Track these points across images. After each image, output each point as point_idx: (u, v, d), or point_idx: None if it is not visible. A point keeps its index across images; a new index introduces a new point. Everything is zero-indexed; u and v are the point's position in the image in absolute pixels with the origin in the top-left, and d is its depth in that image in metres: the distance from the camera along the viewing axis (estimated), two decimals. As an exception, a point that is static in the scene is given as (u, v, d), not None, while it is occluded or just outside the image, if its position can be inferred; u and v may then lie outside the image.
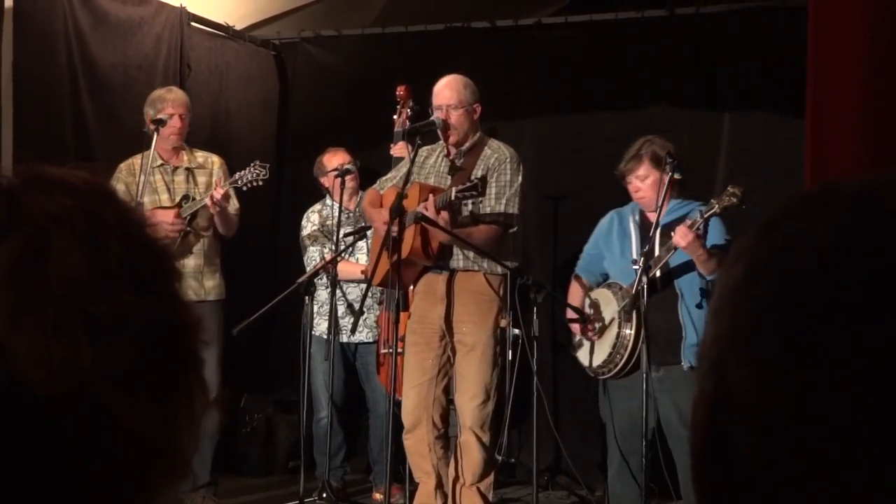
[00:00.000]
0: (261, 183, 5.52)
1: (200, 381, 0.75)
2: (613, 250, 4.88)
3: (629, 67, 6.58)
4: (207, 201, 5.35)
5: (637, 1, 6.76)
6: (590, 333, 4.88)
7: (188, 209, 5.45)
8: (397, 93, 5.94)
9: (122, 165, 5.52)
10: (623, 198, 6.24)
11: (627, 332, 4.66)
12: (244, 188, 5.52)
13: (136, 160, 5.53)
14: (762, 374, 0.60)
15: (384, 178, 5.38)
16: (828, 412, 0.57)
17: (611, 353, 4.74)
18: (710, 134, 6.30)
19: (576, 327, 4.94)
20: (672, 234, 4.54)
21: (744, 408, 0.60)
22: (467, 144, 5.04)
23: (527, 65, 6.83)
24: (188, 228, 5.47)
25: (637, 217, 4.85)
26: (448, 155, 5.09)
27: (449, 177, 5.03)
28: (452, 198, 4.67)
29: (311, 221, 6.16)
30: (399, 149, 5.74)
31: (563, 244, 6.67)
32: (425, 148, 5.14)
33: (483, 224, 4.90)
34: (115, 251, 0.70)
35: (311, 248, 6.09)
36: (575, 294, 5.02)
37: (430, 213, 4.68)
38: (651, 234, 4.63)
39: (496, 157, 4.98)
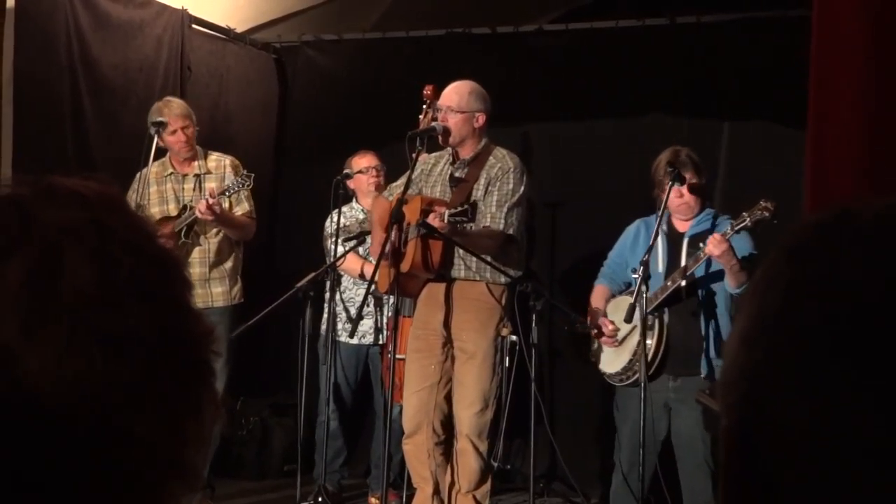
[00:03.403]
0: (245, 192, 5.55)
1: (211, 393, 0.75)
2: (639, 259, 4.86)
3: (629, 75, 6.58)
4: (197, 213, 5.34)
5: (638, 9, 6.76)
6: (609, 341, 4.88)
7: (182, 221, 5.45)
8: (424, 92, 5.87)
9: (137, 175, 5.53)
10: (620, 206, 6.26)
11: (648, 342, 4.65)
12: (229, 195, 5.52)
13: (152, 170, 5.54)
14: (810, 408, 0.59)
15: (394, 184, 5.32)
16: (888, 443, 0.56)
17: (630, 361, 4.74)
18: (709, 143, 6.30)
19: (597, 333, 4.92)
20: (701, 244, 4.55)
21: (790, 441, 0.60)
22: (470, 154, 4.97)
23: (527, 71, 6.83)
24: (185, 240, 5.46)
25: (665, 227, 4.83)
26: (454, 163, 5.05)
27: (451, 188, 5.00)
28: (445, 220, 4.62)
29: (333, 221, 6.13)
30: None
31: (561, 251, 6.67)
32: (433, 155, 5.11)
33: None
34: (126, 264, 0.71)
35: (331, 247, 6.09)
36: (596, 301, 5.00)
37: (437, 225, 4.63)
38: (652, 243, 4.63)
39: (499, 167, 4.92)
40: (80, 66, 5.97)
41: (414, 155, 4.87)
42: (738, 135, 6.29)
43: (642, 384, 4.56)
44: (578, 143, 6.69)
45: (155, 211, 5.51)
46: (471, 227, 4.71)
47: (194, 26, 6.82)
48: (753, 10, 6.36)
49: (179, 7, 6.64)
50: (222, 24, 7.05)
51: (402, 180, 5.26)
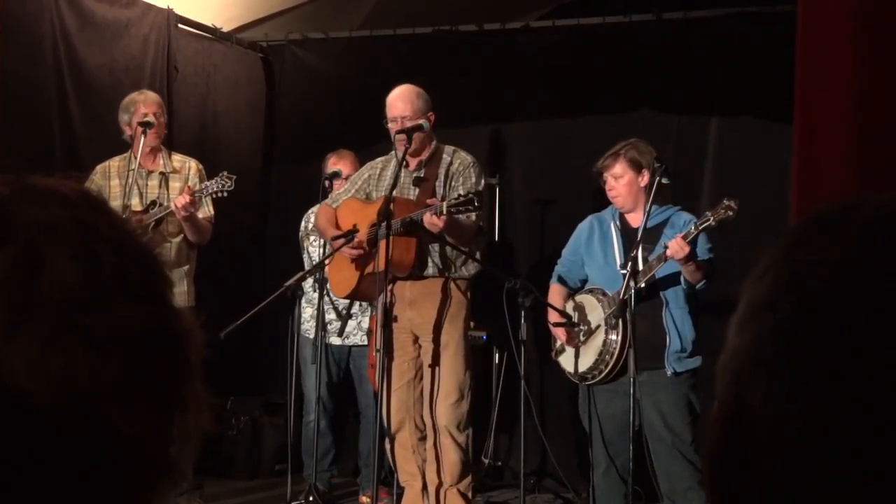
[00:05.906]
0: (226, 194, 5.38)
1: (195, 390, 0.75)
2: (595, 256, 4.89)
3: (616, 72, 6.59)
4: (173, 207, 5.28)
5: (624, 5, 6.77)
6: (574, 341, 4.88)
7: (152, 215, 5.34)
8: None
9: (98, 168, 5.46)
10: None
11: (613, 338, 4.67)
12: (211, 197, 5.43)
13: (113, 163, 5.47)
14: (778, 391, 0.61)
15: (337, 192, 5.36)
16: (841, 431, 0.58)
17: (597, 360, 4.76)
18: (696, 138, 6.32)
19: (559, 332, 4.92)
20: (665, 244, 4.56)
21: (759, 422, 0.61)
22: (426, 154, 5.05)
23: (514, 69, 6.83)
24: (150, 234, 5.38)
25: (618, 222, 4.86)
26: (408, 166, 5.05)
27: (415, 189, 5.01)
28: (444, 212, 4.62)
29: (309, 221, 6.13)
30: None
31: (550, 248, 6.67)
32: (379, 160, 5.17)
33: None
34: (108, 262, 0.70)
35: (306, 245, 6.09)
36: (555, 300, 5.01)
37: (440, 224, 4.61)
38: (639, 240, 4.64)
39: (459, 162, 5.00)
40: (66, 67, 5.96)
41: (402, 152, 4.89)
42: (725, 130, 6.30)
43: (631, 378, 4.57)
44: (566, 139, 6.70)
45: (116, 204, 5.28)
46: (476, 216, 4.72)
47: (180, 26, 6.81)
48: (740, 5, 6.37)
49: (165, 6, 6.63)
50: (208, 23, 7.04)
51: (347, 186, 5.28)
